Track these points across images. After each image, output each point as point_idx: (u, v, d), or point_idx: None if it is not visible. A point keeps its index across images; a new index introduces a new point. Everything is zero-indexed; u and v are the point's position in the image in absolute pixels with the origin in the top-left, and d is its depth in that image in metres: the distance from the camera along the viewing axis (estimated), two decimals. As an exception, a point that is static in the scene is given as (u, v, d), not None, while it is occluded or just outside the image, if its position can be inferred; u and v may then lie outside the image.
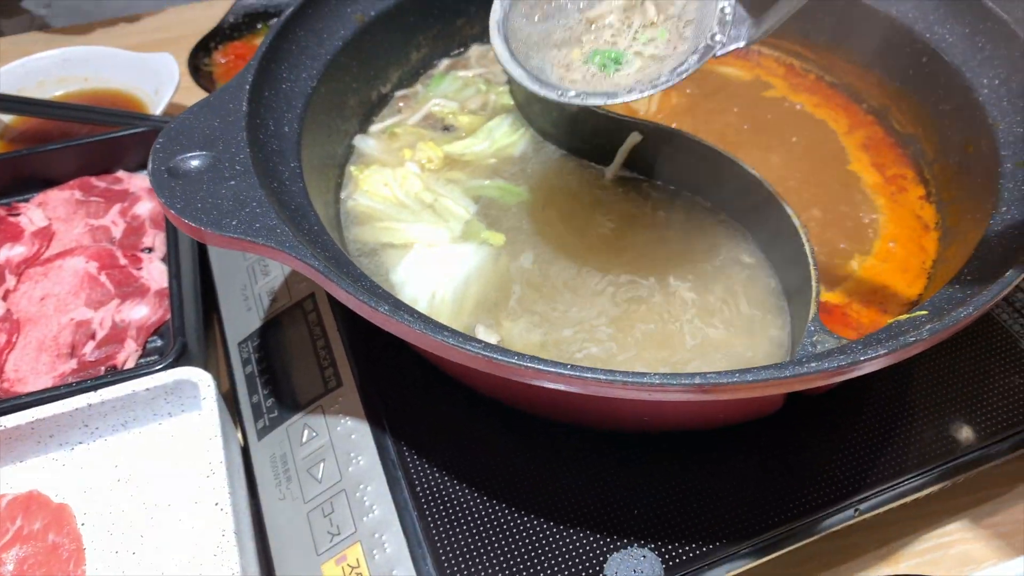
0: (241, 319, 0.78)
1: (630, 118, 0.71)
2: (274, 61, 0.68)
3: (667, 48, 0.59)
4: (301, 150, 0.65)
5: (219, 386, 0.77)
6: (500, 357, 0.47)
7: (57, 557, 0.61)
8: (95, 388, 0.66)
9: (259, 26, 1.17)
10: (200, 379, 0.66)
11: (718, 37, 0.57)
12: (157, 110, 1.02)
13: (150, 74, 1.09)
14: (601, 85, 0.58)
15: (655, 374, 0.46)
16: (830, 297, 0.67)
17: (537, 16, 0.62)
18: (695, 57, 0.58)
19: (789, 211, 0.62)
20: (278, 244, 0.52)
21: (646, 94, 0.57)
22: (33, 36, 1.33)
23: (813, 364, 0.46)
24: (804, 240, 0.59)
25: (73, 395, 0.66)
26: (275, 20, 1.17)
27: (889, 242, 0.69)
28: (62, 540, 0.62)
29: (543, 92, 0.58)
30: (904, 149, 0.78)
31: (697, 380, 0.45)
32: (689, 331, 0.63)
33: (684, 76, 0.57)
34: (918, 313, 0.52)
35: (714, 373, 0.46)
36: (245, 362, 0.76)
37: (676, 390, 0.45)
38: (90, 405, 0.65)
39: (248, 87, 0.63)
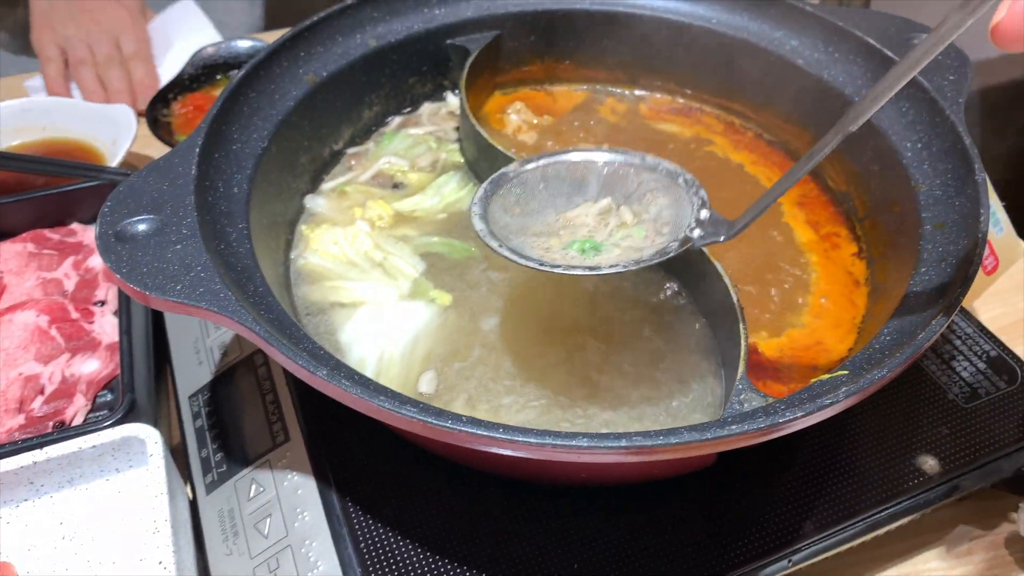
0: (192, 372, 0.79)
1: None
2: (225, 123, 0.69)
3: (645, 242, 0.62)
4: (250, 211, 0.66)
5: (168, 441, 0.77)
6: (435, 421, 0.48)
7: (-2, 618, 0.61)
8: (41, 445, 0.66)
9: (218, 77, 1.19)
10: (147, 436, 0.67)
11: (697, 232, 0.61)
12: (114, 161, 1.03)
13: (108, 124, 1.10)
14: (583, 263, 0.61)
15: (583, 435, 0.47)
16: (765, 350, 0.69)
17: (516, 211, 0.65)
18: (675, 244, 0.61)
19: (720, 269, 0.64)
20: (220, 308, 0.54)
21: (630, 269, 0.60)
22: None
23: (735, 427, 0.48)
24: (735, 299, 0.62)
25: (18, 452, 0.66)
26: (233, 72, 1.20)
27: (822, 298, 0.72)
28: (4, 601, 0.62)
29: (526, 264, 0.59)
30: (838, 206, 0.81)
31: (623, 443, 0.47)
32: (622, 382, 0.65)
33: (667, 258, 0.60)
34: (839, 373, 0.55)
35: (640, 435, 0.47)
36: (195, 416, 0.76)
37: (604, 452, 0.47)
38: (35, 463, 0.65)
39: (198, 150, 0.64)
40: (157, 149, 1.10)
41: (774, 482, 0.66)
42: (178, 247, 0.58)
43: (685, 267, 0.70)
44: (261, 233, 0.67)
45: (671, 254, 0.60)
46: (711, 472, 0.64)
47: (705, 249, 0.66)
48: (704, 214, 0.62)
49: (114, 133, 1.09)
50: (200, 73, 1.18)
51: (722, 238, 0.61)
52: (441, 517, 0.64)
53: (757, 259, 0.76)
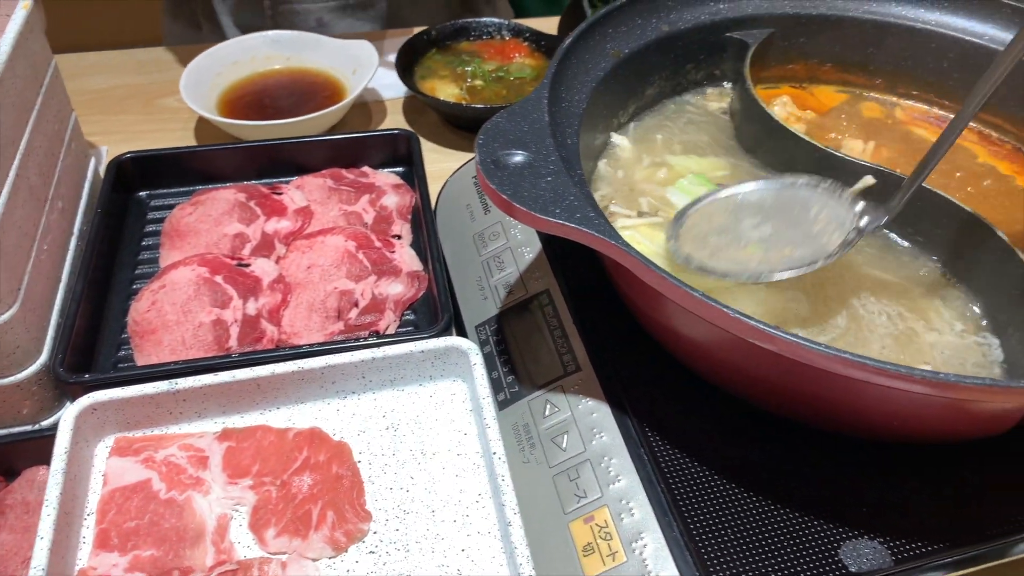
0: (478, 306, 0.88)
1: (862, 161, 0.79)
2: (557, 84, 0.78)
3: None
4: (579, 159, 0.75)
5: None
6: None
7: (340, 485, 0.70)
8: (378, 346, 0.76)
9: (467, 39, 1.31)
10: (469, 348, 0.76)
11: (864, 220, 0.71)
12: (355, 91, 1.16)
13: (349, 58, 1.25)
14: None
15: (944, 374, 0.53)
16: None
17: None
18: (853, 233, 0.71)
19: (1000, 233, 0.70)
20: (599, 232, 0.62)
21: (803, 271, 0.70)
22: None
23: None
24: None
25: (357, 350, 0.75)
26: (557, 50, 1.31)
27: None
28: (344, 472, 0.71)
29: (724, 278, 0.71)
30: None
31: (986, 381, 0.52)
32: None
33: (832, 260, 0.70)
34: None
35: (989, 379, 0.53)
36: (483, 343, 0.85)
37: (965, 389, 0.53)
38: (374, 359, 0.75)
39: (546, 101, 0.73)
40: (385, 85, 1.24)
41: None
42: (548, 179, 0.66)
43: (968, 248, 0.75)
44: (580, 182, 0.76)
45: (849, 246, 0.70)
46: (998, 442, 0.69)
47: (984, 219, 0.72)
48: (860, 205, 0.71)
49: (354, 64, 1.24)
50: (451, 33, 1.31)
51: (885, 219, 0.70)
52: (734, 449, 0.70)
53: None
